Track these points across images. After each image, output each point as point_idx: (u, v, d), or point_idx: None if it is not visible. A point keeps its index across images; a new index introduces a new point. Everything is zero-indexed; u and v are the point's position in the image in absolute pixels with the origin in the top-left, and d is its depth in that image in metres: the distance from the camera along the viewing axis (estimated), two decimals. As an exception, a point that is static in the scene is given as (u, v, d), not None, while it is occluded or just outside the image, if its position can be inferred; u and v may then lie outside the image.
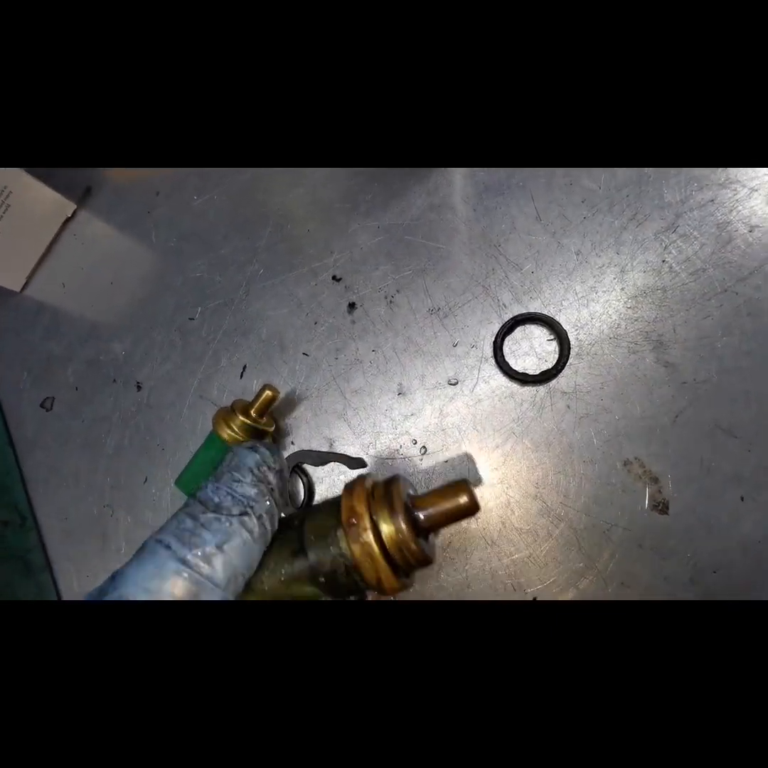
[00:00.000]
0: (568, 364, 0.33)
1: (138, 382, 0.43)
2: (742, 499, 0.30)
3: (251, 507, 0.20)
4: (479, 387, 0.35)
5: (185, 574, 0.17)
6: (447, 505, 0.24)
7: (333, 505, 0.24)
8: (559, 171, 0.36)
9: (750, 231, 0.32)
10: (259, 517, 0.20)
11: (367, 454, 0.36)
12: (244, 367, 0.40)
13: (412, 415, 0.36)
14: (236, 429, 0.35)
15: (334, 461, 0.37)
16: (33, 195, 0.48)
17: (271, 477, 0.22)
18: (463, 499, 0.23)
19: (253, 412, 0.35)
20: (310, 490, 0.37)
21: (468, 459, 0.34)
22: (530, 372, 0.34)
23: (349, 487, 0.25)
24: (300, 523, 0.24)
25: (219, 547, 0.18)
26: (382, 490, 0.24)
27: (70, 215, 0.51)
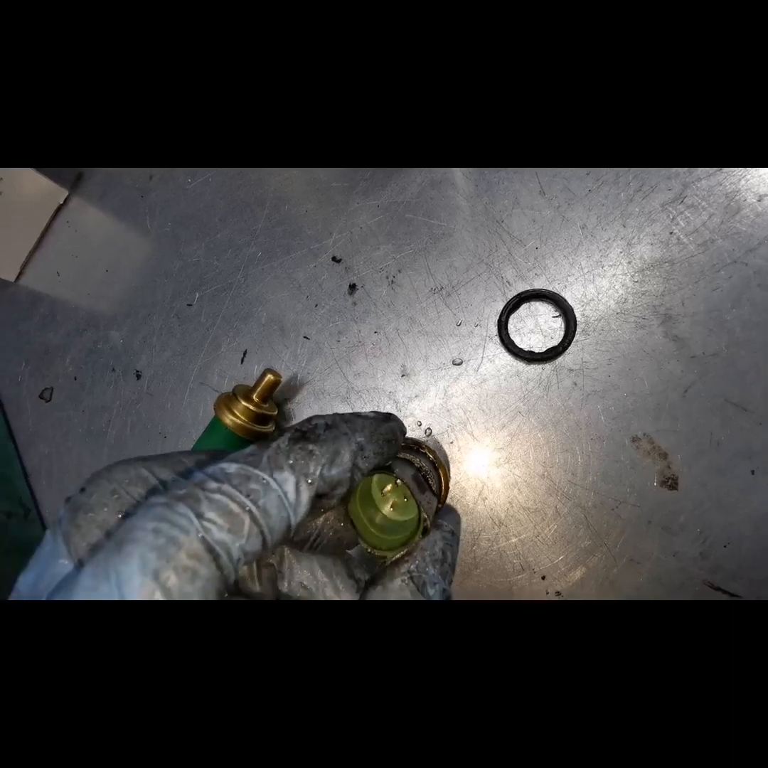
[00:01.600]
0: (574, 340, 0.33)
1: (137, 371, 0.42)
2: (752, 473, 0.29)
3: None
4: (484, 366, 0.34)
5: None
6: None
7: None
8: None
9: (759, 200, 0.31)
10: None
11: (371, 437, 0.36)
12: (245, 353, 0.40)
13: (416, 396, 0.35)
14: (239, 414, 0.34)
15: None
16: (24, 182, 0.47)
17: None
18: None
19: (255, 397, 0.35)
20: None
21: (474, 439, 0.34)
22: (536, 350, 0.33)
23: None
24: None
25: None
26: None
27: (62, 202, 0.50)
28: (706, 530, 0.29)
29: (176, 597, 0.11)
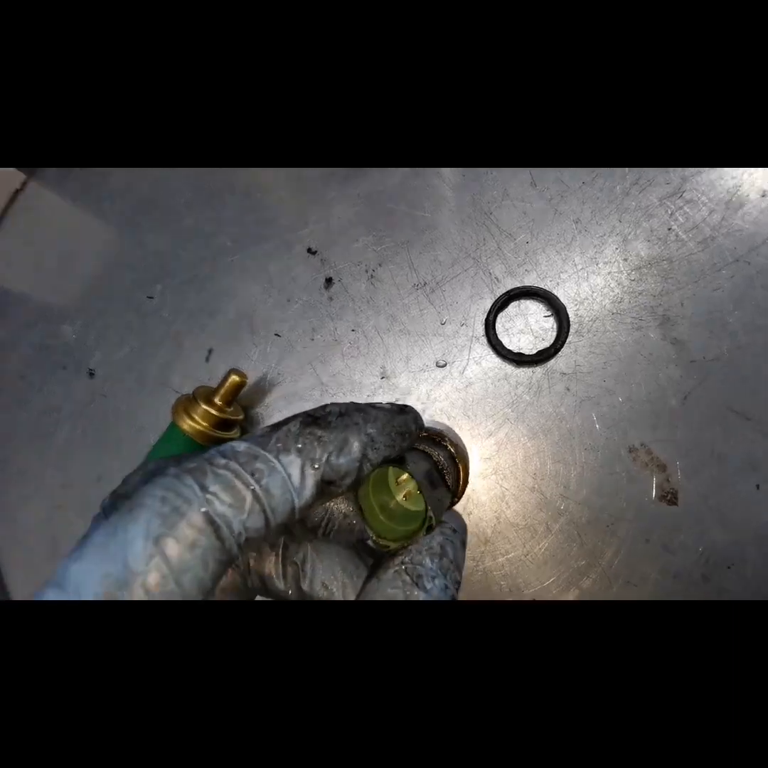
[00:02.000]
0: (567, 342, 0.30)
1: (91, 369, 0.39)
2: (757, 487, 0.27)
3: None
4: (470, 369, 0.32)
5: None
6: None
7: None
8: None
9: (762, 196, 0.30)
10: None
11: (346, 444, 0.33)
12: (210, 351, 0.37)
13: (396, 400, 0.33)
14: (198, 419, 0.31)
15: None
16: (-26, 164, 0.43)
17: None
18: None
19: (217, 400, 0.31)
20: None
21: (458, 448, 0.31)
22: (526, 351, 0.31)
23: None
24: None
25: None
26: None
27: (19, 187, 0.46)
28: (708, 550, 0.27)
29: (176, 563, 0.12)
